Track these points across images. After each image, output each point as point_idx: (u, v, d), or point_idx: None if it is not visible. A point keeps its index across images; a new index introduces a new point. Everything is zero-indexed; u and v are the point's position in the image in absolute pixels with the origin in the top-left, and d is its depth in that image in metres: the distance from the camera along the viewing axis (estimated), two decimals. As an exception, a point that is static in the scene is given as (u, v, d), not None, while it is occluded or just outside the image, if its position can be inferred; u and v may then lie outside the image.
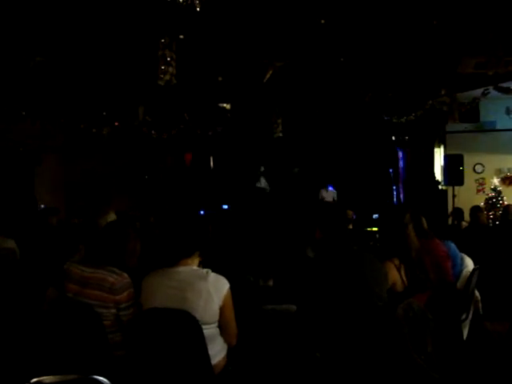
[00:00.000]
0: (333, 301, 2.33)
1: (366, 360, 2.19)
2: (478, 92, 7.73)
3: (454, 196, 8.94)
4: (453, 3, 4.58)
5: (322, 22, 5.05)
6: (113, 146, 10.61)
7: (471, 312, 3.70)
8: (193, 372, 2.14)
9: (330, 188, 10.84)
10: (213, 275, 2.25)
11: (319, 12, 4.86)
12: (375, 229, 7.68)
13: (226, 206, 10.57)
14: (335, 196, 10.52)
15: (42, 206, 10.29)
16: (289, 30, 5.33)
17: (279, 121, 8.59)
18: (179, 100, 8.18)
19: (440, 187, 9.60)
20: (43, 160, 10.95)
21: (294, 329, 2.52)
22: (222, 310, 2.23)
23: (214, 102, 7.90)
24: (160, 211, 8.89)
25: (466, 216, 6.79)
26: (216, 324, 2.26)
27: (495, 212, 8.64)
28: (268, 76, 6.52)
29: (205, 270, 2.27)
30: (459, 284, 3.80)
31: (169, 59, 4.62)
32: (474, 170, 9.52)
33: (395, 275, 2.72)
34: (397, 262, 2.76)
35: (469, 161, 9.15)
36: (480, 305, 4.03)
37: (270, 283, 3.54)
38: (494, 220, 8.49)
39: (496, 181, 9.21)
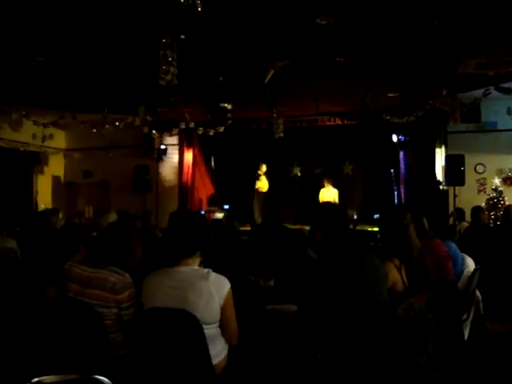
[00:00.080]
0: (334, 301, 2.32)
1: (367, 360, 2.19)
2: (479, 92, 7.74)
3: (455, 196, 8.95)
4: (453, 3, 4.57)
5: (323, 22, 5.06)
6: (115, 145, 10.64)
7: (472, 312, 3.69)
8: (194, 372, 2.14)
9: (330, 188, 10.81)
10: (214, 275, 2.25)
11: (319, 12, 4.86)
12: (376, 229, 7.69)
13: (226, 206, 10.55)
14: (336, 196, 10.50)
15: (42, 206, 10.31)
16: (289, 30, 5.33)
17: (280, 121, 8.60)
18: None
19: (441, 187, 9.59)
20: (43, 160, 10.97)
21: (295, 329, 2.51)
22: (222, 309, 2.22)
23: (214, 102, 7.90)
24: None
25: (467, 216, 6.80)
26: (217, 324, 2.26)
27: (496, 212, 8.64)
28: (269, 76, 6.53)
29: (206, 270, 2.27)
30: (460, 284, 3.80)
31: (170, 59, 4.62)
32: (475, 170, 9.51)
33: (395, 275, 2.73)
34: (397, 262, 2.76)
35: (470, 161, 9.15)
36: (481, 305, 4.03)
37: (271, 283, 3.54)
38: (495, 220, 8.49)
39: (497, 181, 9.21)
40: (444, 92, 7.61)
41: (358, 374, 2.18)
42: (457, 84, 7.42)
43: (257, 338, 2.70)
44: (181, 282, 2.22)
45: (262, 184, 10.99)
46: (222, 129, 9.70)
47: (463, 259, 3.99)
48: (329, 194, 10.48)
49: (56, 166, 11.68)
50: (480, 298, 4.01)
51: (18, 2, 4.56)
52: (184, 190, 11.35)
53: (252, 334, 2.63)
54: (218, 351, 2.26)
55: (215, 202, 11.11)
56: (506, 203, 8.46)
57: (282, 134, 8.65)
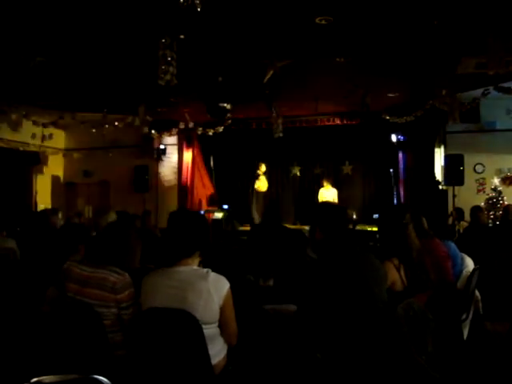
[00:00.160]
0: (333, 301, 2.32)
1: (366, 360, 2.19)
2: (479, 92, 7.75)
3: (454, 196, 8.94)
4: (453, 3, 4.58)
5: (323, 22, 5.06)
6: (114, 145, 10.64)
7: (471, 312, 3.70)
8: (193, 372, 2.14)
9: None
10: (213, 275, 2.25)
11: (319, 12, 4.86)
12: (375, 229, 7.68)
13: (226, 206, 10.56)
14: (335, 196, 10.50)
15: (42, 206, 10.30)
16: (288, 30, 5.33)
17: (279, 121, 8.60)
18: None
19: (440, 187, 9.59)
20: (43, 160, 10.95)
21: (295, 329, 2.51)
22: (222, 309, 2.23)
23: (214, 102, 7.90)
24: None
25: (467, 216, 6.81)
26: (216, 324, 2.26)
27: (495, 212, 8.64)
28: (268, 76, 6.53)
29: (205, 270, 2.27)
30: (459, 284, 3.80)
31: (169, 59, 4.62)
32: (475, 170, 9.52)
33: (394, 275, 2.73)
34: (396, 261, 2.77)
35: (469, 161, 9.15)
36: (480, 305, 4.03)
37: (271, 283, 3.54)
38: (494, 220, 8.49)
39: (496, 181, 9.21)
40: (443, 92, 7.62)
41: (357, 374, 2.18)
42: (456, 84, 7.42)
43: (256, 337, 2.71)
44: (180, 281, 2.22)
45: (262, 184, 10.99)
46: (221, 129, 9.70)
47: (462, 259, 4.00)
48: (328, 193, 10.48)
49: (55, 166, 11.68)
50: (479, 297, 4.01)
51: (18, 2, 4.56)
52: (183, 189, 11.35)
53: (251, 334, 2.63)
54: (218, 351, 2.26)
55: (215, 201, 11.11)
56: (505, 203, 8.45)
57: (281, 134, 8.65)
